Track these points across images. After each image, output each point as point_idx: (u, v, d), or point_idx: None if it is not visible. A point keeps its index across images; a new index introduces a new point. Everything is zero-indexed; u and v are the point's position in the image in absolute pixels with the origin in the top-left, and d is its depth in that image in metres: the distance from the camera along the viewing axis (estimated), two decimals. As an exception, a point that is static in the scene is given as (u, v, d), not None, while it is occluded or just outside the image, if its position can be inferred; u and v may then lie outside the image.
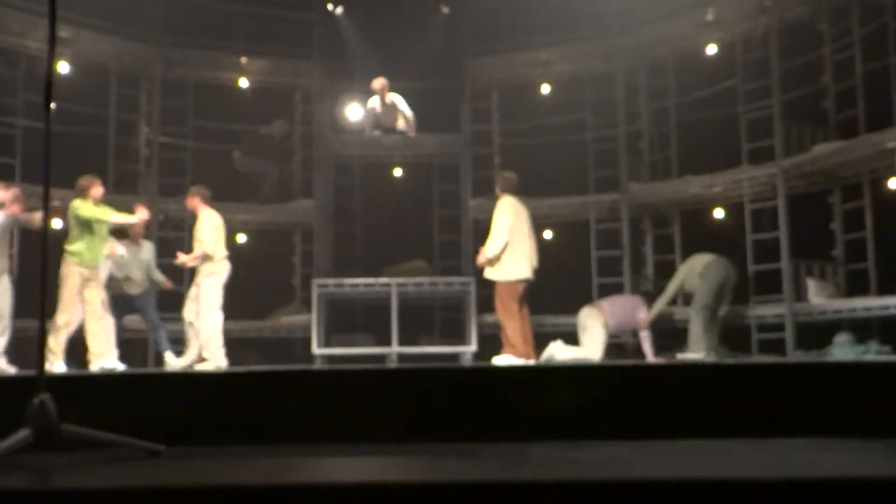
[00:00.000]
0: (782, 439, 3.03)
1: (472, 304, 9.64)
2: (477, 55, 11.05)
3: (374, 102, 10.17)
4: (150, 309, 8.58)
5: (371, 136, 10.55)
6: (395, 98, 10.10)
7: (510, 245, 7.54)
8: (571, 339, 8.92)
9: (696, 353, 8.31)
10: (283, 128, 10.83)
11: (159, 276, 8.72)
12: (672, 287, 8.82)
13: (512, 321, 7.43)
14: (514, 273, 7.52)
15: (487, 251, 7.59)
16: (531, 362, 7.37)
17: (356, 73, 11.08)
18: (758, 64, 9.43)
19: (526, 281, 7.63)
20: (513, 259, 7.55)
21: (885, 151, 8.01)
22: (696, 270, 8.69)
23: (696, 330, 8.43)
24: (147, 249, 8.71)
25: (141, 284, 8.49)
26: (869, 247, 8.61)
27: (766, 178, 9.20)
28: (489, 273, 7.62)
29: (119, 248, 8.08)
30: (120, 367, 7.24)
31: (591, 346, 8.62)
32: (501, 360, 7.30)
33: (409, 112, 10.17)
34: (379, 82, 9.89)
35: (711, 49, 9.92)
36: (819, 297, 8.67)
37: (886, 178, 8.35)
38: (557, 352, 8.56)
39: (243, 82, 10.96)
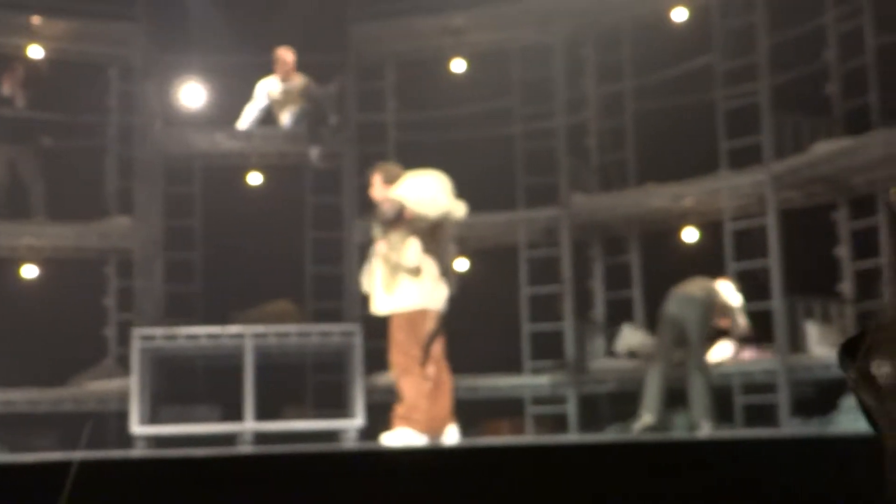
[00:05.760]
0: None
1: (357, 362, 9.58)
2: (365, 19, 11.07)
3: (271, 85, 9.92)
4: None
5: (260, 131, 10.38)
6: (302, 81, 9.83)
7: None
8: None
9: (646, 418, 8.58)
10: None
11: None
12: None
13: (411, 377, 7.25)
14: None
15: None
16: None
17: (196, 41, 10.97)
18: (740, 35, 9.70)
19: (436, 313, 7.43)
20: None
21: (904, 152, 8.34)
22: None
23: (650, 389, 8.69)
24: None
25: None
26: (885, 278, 8.88)
27: (751, 188, 9.46)
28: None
29: None
30: None
31: None
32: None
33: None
34: (284, 55, 9.70)
35: (680, 14, 10.14)
36: (822, 347, 8.91)
37: (906, 187, 8.67)
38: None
39: (35, 51, 10.73)
